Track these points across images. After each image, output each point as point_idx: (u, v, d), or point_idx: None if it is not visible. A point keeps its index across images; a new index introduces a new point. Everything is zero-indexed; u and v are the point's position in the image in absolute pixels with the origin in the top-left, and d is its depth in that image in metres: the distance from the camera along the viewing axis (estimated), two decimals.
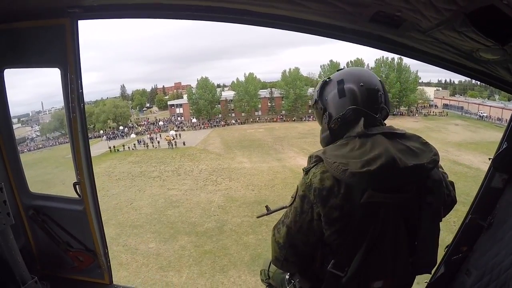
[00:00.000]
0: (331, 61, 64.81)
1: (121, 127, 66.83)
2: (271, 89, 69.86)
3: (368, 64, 63.03)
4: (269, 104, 69.56)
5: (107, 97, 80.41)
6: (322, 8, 1.57)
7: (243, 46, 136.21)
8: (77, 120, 2.50)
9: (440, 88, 73.16)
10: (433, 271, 2.57)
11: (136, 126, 70.71)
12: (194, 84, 72.77)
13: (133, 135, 60.21)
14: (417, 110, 63.49)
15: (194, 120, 66.85)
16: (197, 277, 15.35)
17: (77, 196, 2.67)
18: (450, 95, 70.02)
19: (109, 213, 23.15)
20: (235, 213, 21.61)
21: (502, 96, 53.75)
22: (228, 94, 71.52)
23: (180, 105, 74.39)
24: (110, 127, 67.44)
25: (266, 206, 2.21)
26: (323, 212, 1.25)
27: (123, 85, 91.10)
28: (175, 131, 57.41)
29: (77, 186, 2.63)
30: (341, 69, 1.53)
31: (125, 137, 61.11)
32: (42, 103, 65.36)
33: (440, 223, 1.36)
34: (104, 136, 60.14)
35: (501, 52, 1.42)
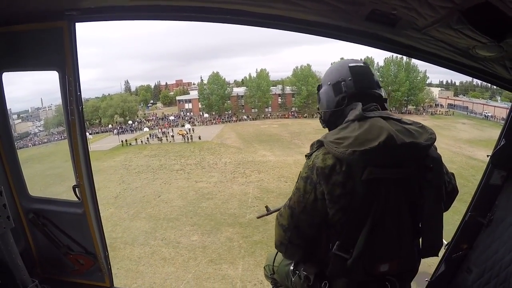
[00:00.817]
0: (341, 58, 63.92)
1: (129, 122, 66.47)
2: (282, 86, 69.79)
3: (378, 62, 63.14)
4: (280, 100, 69.28)
5: (109, 94, 79.78)
6: (318, 7, 1.58)
7: (243, 44, 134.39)
8: (76, 123, 2.50)
9: (444, 89, 73.41)
10: (433, 269, 2.59)
11: (144, 121, 70.33)
12: (196, 81, 74.33)
13: (146, 129, 59.78)
14: (424, 109, 64.13)
15: (206, 115, 66.80)
16: (254, 268, 14.90)
17: (76, 199, 2.67)
18: (453, 95, 70.54)
19: (137, 207, 22.82)
20: (275, 203, 20.70)
21: (504, 97, 54.14)
22: (239, 90, 71.62)
23: (189, 101, 74.04)
24: (116, 122, 66.83)
25: (266, 207, 2.22)
26: (326, 190, 1.28)
27: (127, 80, 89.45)
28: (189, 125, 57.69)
29: (76, 189, 2.63)
30: None
31: (134, 131, 60.54)
32: (41, 100, 64.73)
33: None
34: (115, 130, 60.12)
35: (497, 49, 1.43)
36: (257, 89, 66.09)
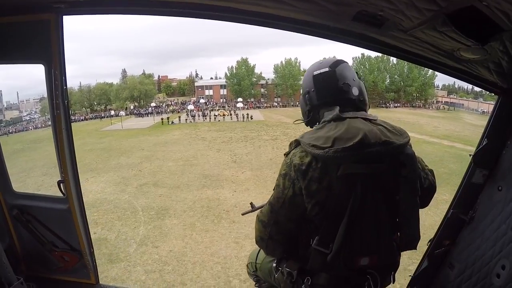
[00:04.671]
0: (362, 54, 67.38)
1: (153, 104, 65.40)
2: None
3: (392, 59, 64.83)
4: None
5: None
6: (306, 7, 1.58)
7: (222, 44, 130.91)
8: (61, 117, 2.46)
9: (438, 89, 76.28)
10: (416, 265, 2.65)
11: (164, 105, 69.25)
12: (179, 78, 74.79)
13: (191, 106, 59.82)
14: (429, 105, 68.13)
15: (240, 99, 66.08)
16: None
17: (61, 195, 2.63)
18: (447, 95, 75.10)
19: (278, 167, 21.33)
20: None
21: (489, 96, 56.69)
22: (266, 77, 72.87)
23: (210, 87, 73.68)
24: (126, 107, 64.99)
25: (251, 203, 2.22)
26: (303, 185, 1.33)
27: (124, 69, 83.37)
28: (221, 109, 59.85)
29: (61, 184, 2.60)
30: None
31: (160, 114, 59.84)
32: (17, 93, 63.41)
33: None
34: (149, 108, 61.41)
35: (481, 52, 1.47)
36: (289, 76, 67.13)
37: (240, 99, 65.37)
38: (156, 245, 8.86)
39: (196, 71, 73.42)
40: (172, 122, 46.85)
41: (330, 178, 1.29)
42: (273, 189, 1.49)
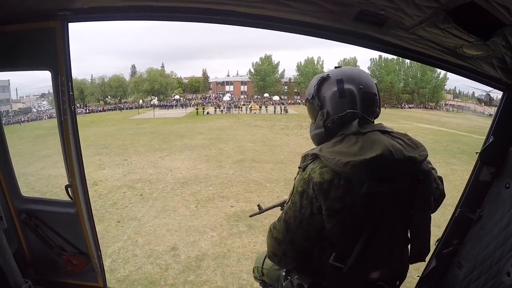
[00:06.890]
0: (380, 55, 68.98)
1: (176, 96, 67.18)
2: None
3: (407, 62, 66.62)
4: None
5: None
6: (307, 8, 1.59)
7: (222, 46, 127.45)
8: (68, 122, 2.50)
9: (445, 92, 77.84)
10: (425, 265, 2.62)
11: (184, 99, 69.73)
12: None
13: (227, 97, 62.81)
14: (440, 106, 70.37)
15: (266, 94, 68.82)
16: None
17: (69, 199, 2.66)
18: (453, 98, 77.34)
19: None
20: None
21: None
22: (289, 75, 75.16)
23: (231, 83, 74.99)
24: (142, 101, 64.57)
25: (258, 205, 2.22)
26: (325, 205, 1.26)
27: (133, 65, 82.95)
28: (248, 103, 60.68)
29: (69, 188, 2.63)
30: (338, 67, 1.50)
31: (186, 107, 60.01)
32: (16, 90, 64.08)
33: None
34: (175, 102, 63.37)
35: (484, 48, 1.46)
36: (312, 74, 68.47)
37: (266, 94, 67.44)
38: None
39: (203, 70, 76.35)
40: (208, 113, 47.09)
41: (352, 196, 1.23)
42: (286, 203, 1.44)
